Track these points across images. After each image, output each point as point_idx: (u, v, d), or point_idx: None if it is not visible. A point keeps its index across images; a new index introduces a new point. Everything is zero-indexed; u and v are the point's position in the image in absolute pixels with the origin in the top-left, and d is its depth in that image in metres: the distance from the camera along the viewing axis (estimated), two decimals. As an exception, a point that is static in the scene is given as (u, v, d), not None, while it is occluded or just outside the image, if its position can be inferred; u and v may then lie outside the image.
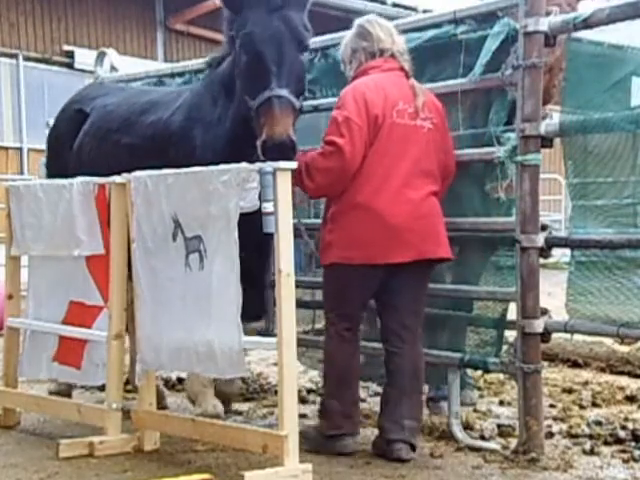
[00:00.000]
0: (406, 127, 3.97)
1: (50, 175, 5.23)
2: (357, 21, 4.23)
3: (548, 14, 4.00)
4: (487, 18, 4.21)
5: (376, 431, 4.23)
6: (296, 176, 3.83)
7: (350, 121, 3.89)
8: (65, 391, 5.10)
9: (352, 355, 4.13)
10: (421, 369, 4.14)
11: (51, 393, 5.08)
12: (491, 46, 4.12)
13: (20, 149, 14.22)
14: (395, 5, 14.15)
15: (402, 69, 4.10)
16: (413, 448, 4.00)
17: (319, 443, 4.08)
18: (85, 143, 5.01)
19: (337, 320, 4.10)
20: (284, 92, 3.88)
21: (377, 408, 4.98)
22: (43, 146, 5.83)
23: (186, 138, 4.44)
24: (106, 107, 5.04)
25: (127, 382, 4.85)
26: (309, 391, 5.47)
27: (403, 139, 3.96)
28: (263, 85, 3.91)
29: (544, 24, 3.94)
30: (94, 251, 4.34)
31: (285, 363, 3.59)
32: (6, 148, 14.11)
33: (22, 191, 4.63)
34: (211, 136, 4.37)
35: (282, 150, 3.82)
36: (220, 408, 4.43)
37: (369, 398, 5.32)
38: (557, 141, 4.09)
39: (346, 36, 4.25)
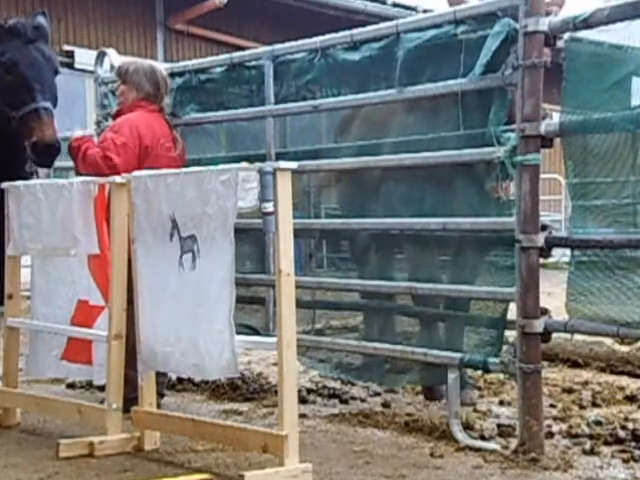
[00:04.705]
0: (167, 157, 4.99)
1: None
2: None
3: (548, 14, 4.00)
4: (487, 18, 4.20)
5: (376, 431, 4.22)
6: (74, 151, 4.89)
7: (126, 146, 4.83)
8: None
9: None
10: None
11: None
12: (491, 46, 4.12)
13: (20, 149, 14.16)
14: (395, 5, 14.11)
15: (161, 111, 5.14)
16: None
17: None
18: None
19: None
20: (48, 104, 4.73)
21: (377, 408, 5.00)
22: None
23: None
24: None
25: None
26: (309, 391, 5.46)
27: (166, 166, 4.60)
28: (29, 99, 4.71)
29: (544, 24, 3.94)
30: (90, 251, 4.35)
31: (285, 363, 3.60)
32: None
33: (22, 191, 4.63)
34: None
35: (52, 150, 4.60)
36: None
37: (369, 398, 5.32)
38: (557, 141, 4.09)
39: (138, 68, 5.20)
